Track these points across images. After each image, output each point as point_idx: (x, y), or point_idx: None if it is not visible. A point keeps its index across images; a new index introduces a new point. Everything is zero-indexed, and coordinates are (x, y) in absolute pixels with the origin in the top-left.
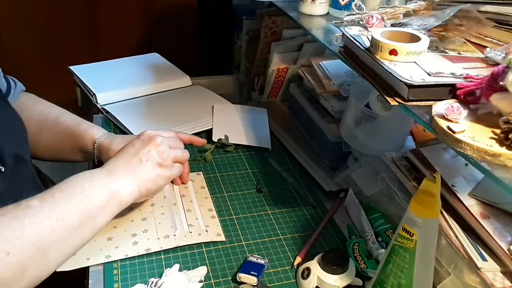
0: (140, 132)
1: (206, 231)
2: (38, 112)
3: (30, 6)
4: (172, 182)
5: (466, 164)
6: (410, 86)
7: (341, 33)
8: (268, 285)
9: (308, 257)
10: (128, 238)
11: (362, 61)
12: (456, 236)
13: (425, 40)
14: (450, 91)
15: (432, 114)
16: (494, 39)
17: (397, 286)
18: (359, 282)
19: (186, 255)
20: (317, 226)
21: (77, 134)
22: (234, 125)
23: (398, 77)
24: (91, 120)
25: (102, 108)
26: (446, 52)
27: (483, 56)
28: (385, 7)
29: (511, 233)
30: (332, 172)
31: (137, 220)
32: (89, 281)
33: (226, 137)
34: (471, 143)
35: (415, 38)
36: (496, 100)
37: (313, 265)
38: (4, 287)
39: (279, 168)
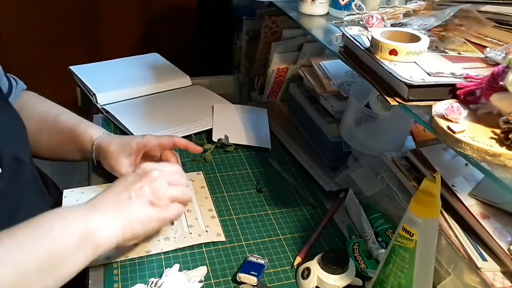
0: (141, 167)
1: (206, 231)
2: (39, 111)
3: (30, 6)
4: None
5: (466, 164)
6: (410, 86)
7: (341, 33)
8: (268, 285)
9: (308, 257)
10: None
11: (362, 61)
12: (456, 236)
13: (425, 40)
14: (450, 91)
15: (432, 114)
16: (494, 39)
17: (397, 286)
18: (359, 282)
19: (186, 255)
20: (317, 226)
21: (76, 134)
22: (234, 125)
23: (398, 77)
24: (91, 120)
25: (102, 108)
26: (446, 52)
27: (483, 56)
28: (385, 7)
29: (511, 233)
30: (332, 172)
31: None
32: (89, 281)
33: (226, 137)
34: (471, 143)
35: (415, 38)
36: (496, 100)
37: (313, 265)
38: None
39: (279, 168)
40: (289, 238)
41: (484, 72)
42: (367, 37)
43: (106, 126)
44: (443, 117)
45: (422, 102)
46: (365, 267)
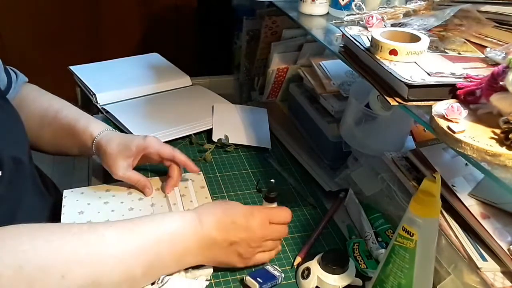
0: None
1: None
2: (39, 106)
3: (30, 7)
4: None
5: (466, 164)
6: (410, 86)
7: (341, 33)
8: None
9: (308, 257)
10: None
11: (362, 61)
12: (456, 236)
13: (425, 40)
14: (450, 91)
15: (432, 114)
16: (494, 39)
17: (397, 286)
18: (359, 282)
19: None
20: (317, 226)
21: (77, 131)
22: (234, 125)
23: (398, 77)
24: None
25: (102, 108)
26: (446, 52)
27: (483, 56)
28: (385, 7)
29: (511, 233)
30: (332, 172)
31: None
32: None
33: (226, 137)
34: (471, 143)
35: (415, 38)
36: (496, 100)
37: (313, 265)
38: None
39: (279, 168)
40: (289, 238)
41: (484, 72)
42: (367, 37)
43: None
44: (443, 117)
45: (422, 102)
46: (365, 267)
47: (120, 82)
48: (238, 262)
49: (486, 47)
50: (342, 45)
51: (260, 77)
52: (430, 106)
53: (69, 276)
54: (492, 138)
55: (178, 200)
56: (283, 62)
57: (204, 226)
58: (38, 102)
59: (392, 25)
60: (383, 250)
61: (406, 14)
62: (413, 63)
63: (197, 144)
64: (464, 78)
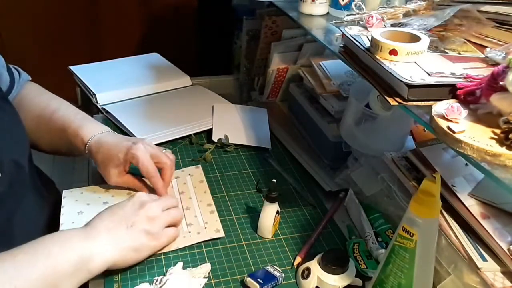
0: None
1: (205, 228)
2: (37, 106)
3: (30, 7)
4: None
5: (466, 164)
6: (410, 86)
7: (341, 33)
8: None
9: (308, 257)
10: None
11: (362, 61)
12: (456, 236)
13: (425, 40)
14: (450, 91)
15: (432, 114)
16: (494, 39)
17: (397, 286)
18: (359, 282)
19: (186, 255)
20: (317, 226)
21: (68, 135)
22: (234, 125)
23: (398, 77)
24: None
25: (102, 108)
26: (446, 52)
27: (483, 56)
28: (385, 7)
29: (511, 233)
30: (332, 172)
31: None
32: (89, 281)
33: (226, 137)
34: (471, 143)
35: (415, 38)
36: (496, 100)
37: (313, 265)
38: None
39: (279, 168)
40: (289, 238)
41: (484, 72)
42: (367, 37)
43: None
44: (443, 117)
45: (422, 102)
46: (365, 267)
47: (120, 82)
48: (150, 240)
49: (486, 47)
50: (342, 45)
51: (260, 77)
52: (430, 106)
53: None
54: (492, 138)
55: (177, 198)
56: (283, 62)
57: (93, 223)
58: (37, 101)
59: (392, 25)
60: (383, 250)
61: (406, 14)
62: (413, 63)
63: (197, 144)
64: (464, 78)
